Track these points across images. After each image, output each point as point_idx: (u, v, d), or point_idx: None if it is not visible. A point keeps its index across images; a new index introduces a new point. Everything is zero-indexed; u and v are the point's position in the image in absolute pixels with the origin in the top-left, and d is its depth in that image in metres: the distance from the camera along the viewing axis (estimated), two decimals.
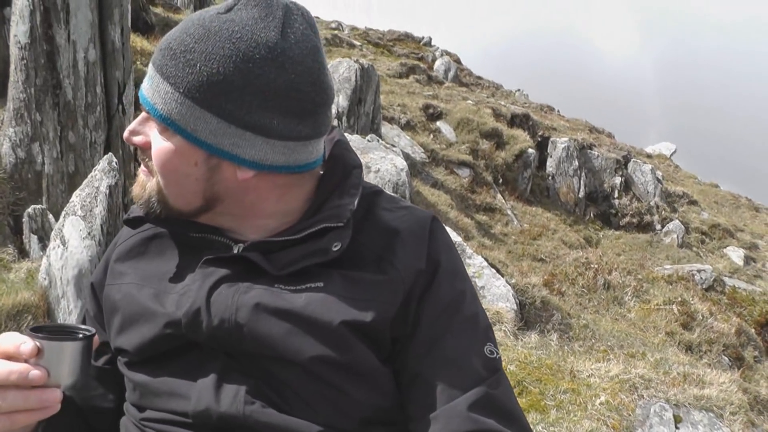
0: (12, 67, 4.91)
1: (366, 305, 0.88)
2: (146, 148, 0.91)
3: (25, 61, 4.79)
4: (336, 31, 18.86)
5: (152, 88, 0.88)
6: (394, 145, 9.23)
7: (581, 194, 10.17)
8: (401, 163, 7.27)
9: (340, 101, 8.35)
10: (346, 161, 1.00)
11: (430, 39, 21.57)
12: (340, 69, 8.51)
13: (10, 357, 0.78)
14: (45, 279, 3.45)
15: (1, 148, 4.93)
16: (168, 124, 0.87)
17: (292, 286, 0.88)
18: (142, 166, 0.94)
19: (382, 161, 7.35)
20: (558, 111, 16.90)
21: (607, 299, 5.79)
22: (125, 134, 0.93)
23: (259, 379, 0.87)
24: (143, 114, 0.91)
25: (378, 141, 7.72)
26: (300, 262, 0.89)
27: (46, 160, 4.88)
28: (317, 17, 20.00)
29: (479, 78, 18.79)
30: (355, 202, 0.94)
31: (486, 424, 0.85)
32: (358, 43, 18.24)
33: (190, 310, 0.88)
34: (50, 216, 4.59)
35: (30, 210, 4.54)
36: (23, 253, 4.66)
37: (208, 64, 0.84)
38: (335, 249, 0.89)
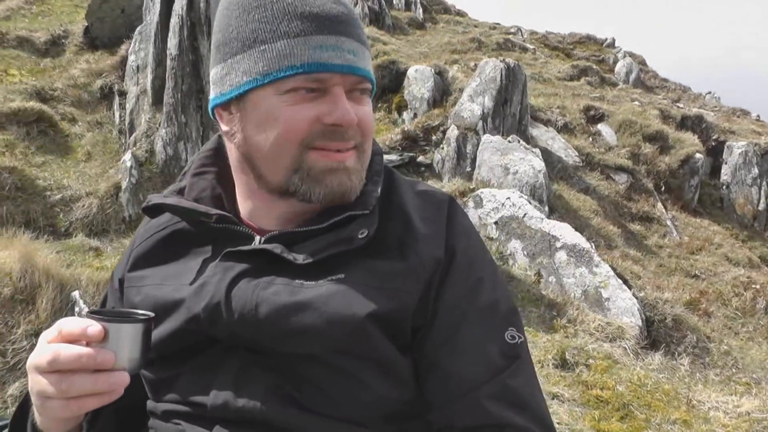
0: (166, 76, 5.59)
1: (389, 295, 0.85)
2: (354, 123, 0.88)
3: (174, 70, 5.42)
4: (510, 36, 18.50)
5: (359, 56, 0.88)
6: (547, 148, 8.81)
7: (761, 206, 8.71)
8: (539, 164, 6.91)
9: (486, 102, 8.17)
10: None
11: (614, 40, 20.21)
12: (487, 69, 8.34)
13: (72, 341, 0.77)
14: None
15: (155, 146, 5.63)
16: (373, 85, 0.91)
17: (313, 280, 0.86)
18: (342, 154, 0.89)
19: (521, 163, 7.05)
20: (758, 116, 14.77)
21: (766, 325, 4.92)
22: (349, 118, 0.86)
23: (279, 374, 0.86)
24: (339, 93, 0.87)
25: (519, 142, 7.42)
26: (325, 251, 0.87)
27: (189, 157, 5.48)
28: (497, 24, 19.79)
29: (665, 80, 17.17)
30: (379, 189, 0.93)
31: (501, 417, 0.83)
32: (531, 47, 17.70)
33: (210, 304, 0.87)
34: None
35: None
36: None
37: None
38: (361, 236, 0.87)
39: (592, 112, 9.82)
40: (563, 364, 4.07)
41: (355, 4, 14.96)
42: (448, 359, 0.86)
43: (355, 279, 0.85)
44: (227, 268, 0.89)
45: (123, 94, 6.85)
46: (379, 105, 9.58)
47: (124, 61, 7.36)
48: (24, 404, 0.91)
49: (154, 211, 0.99)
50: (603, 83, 13.71)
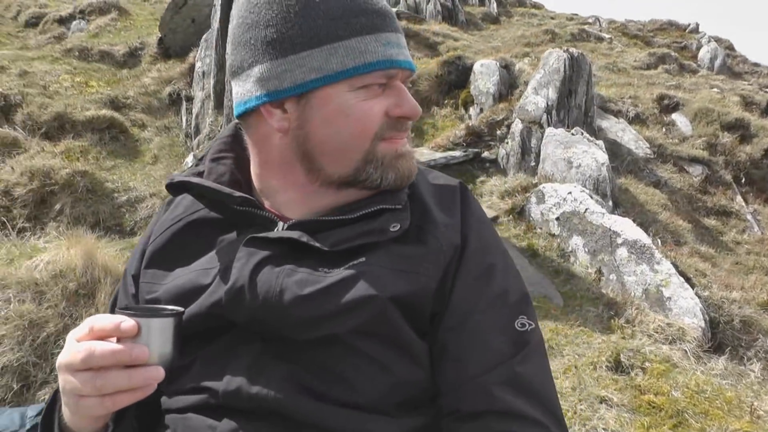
0: (226, 79, 5.79)
1: (410, 278, 0.87)
2: (419, 114, 0.94)
3: None
4: (585, 26, 17.89)
5: (408, 51, 0.93)
6: (616, 140, 8.46)
7: None
8: (602, 157, 6.63)
9: (550, 94, 7.93)
10: None
11: (698, 25, 19.10)
12: (550, 60, 8.08)
13: (104, 337, 0.76)
14: None
15: None
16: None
17: (336, 267, 0.87)
18: (404, 140, 0.95)
19: (584, 156, 6.79)
20: None
21: None
22: (417, 111, 0.94)
23: (297, 361, 0.85)
24: (402, 87, 0.93)
25: (582, 134, 7.16)
26: (355, 240, 0.88)
27: None
28: (575, 14, 19.25)
29: (755, 65, 16.04)
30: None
31: (507, 403, 0.83)
32: (608, 36, 17.04)
33: (233, 287, 0.86)
34: None
35: None
36: None
37: None
38: (394, 230, 0.89)
39: (666, 101, 9.31)
40: (617, 366, 3.88)
41: (428, 2, 14.83)
42: (457, 345, 0.87)
43: (377, 263, 0.86)
44: (251, 254, 0.88)
45: (190, 99, 7.16)
46: (446, 101, 9.48)
47: (192, 68, 7.69)
48: (52, 404, 0.91)
49: (177, 188, 0.99)
50: (682, 71, 12.99)
